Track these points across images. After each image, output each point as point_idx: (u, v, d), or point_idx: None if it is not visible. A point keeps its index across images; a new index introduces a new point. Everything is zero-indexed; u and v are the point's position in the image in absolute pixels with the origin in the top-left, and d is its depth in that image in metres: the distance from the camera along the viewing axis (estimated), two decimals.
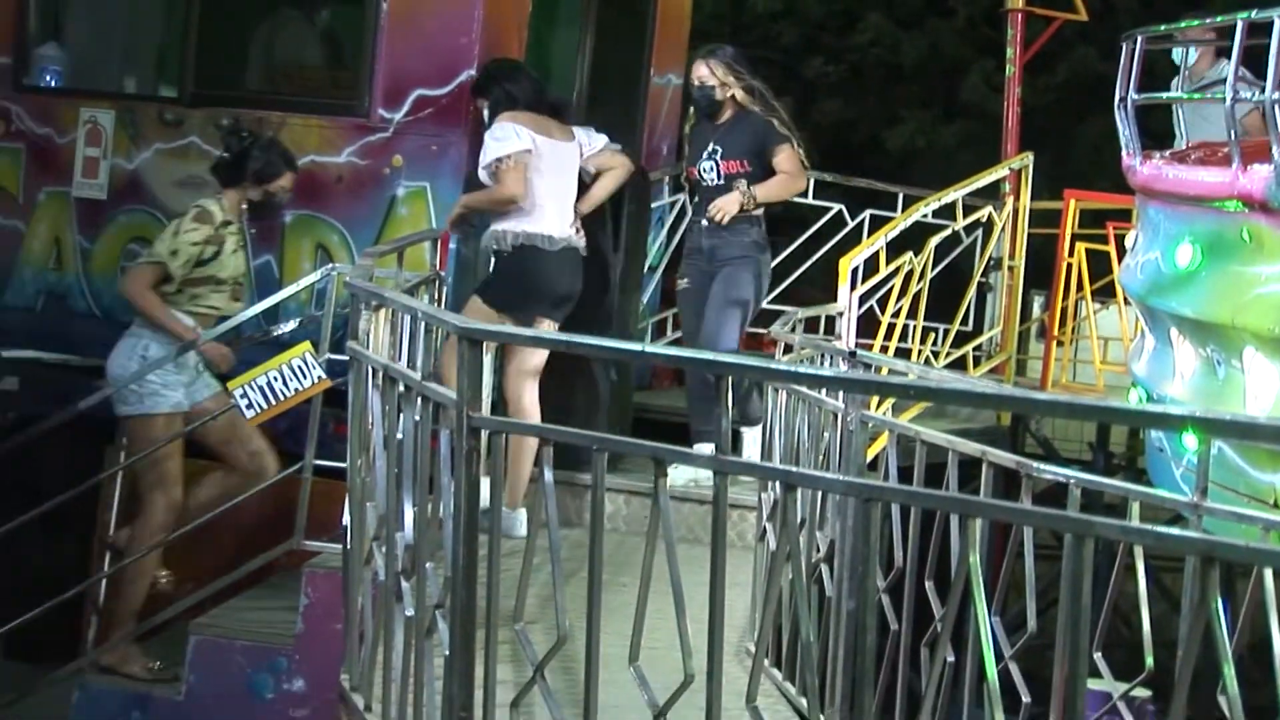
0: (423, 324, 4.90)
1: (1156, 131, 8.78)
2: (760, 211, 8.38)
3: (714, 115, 8.55)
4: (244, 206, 7.81)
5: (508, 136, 7.54)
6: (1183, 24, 8.76)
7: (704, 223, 8.43)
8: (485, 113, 7.96)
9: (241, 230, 7.82)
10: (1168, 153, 8.26)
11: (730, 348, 8.05)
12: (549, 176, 7.68)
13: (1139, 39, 7.91)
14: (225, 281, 7.71)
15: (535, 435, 3.78)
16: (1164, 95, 8.77)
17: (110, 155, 9.82)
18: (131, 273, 7.80)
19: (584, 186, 8.00)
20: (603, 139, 8.10)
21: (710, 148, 8.48)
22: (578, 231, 7.79)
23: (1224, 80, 7.30)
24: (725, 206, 8.16)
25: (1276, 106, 6.58)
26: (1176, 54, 9.18)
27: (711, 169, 8.45)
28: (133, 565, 7.60)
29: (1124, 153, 8.26)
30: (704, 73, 8.49)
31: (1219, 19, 8.48)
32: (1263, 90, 6.67)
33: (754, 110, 8.45)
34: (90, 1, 10.75)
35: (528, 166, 7.55)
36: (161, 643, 7.91)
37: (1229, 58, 6.87)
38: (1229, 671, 3.12)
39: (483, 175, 7.63)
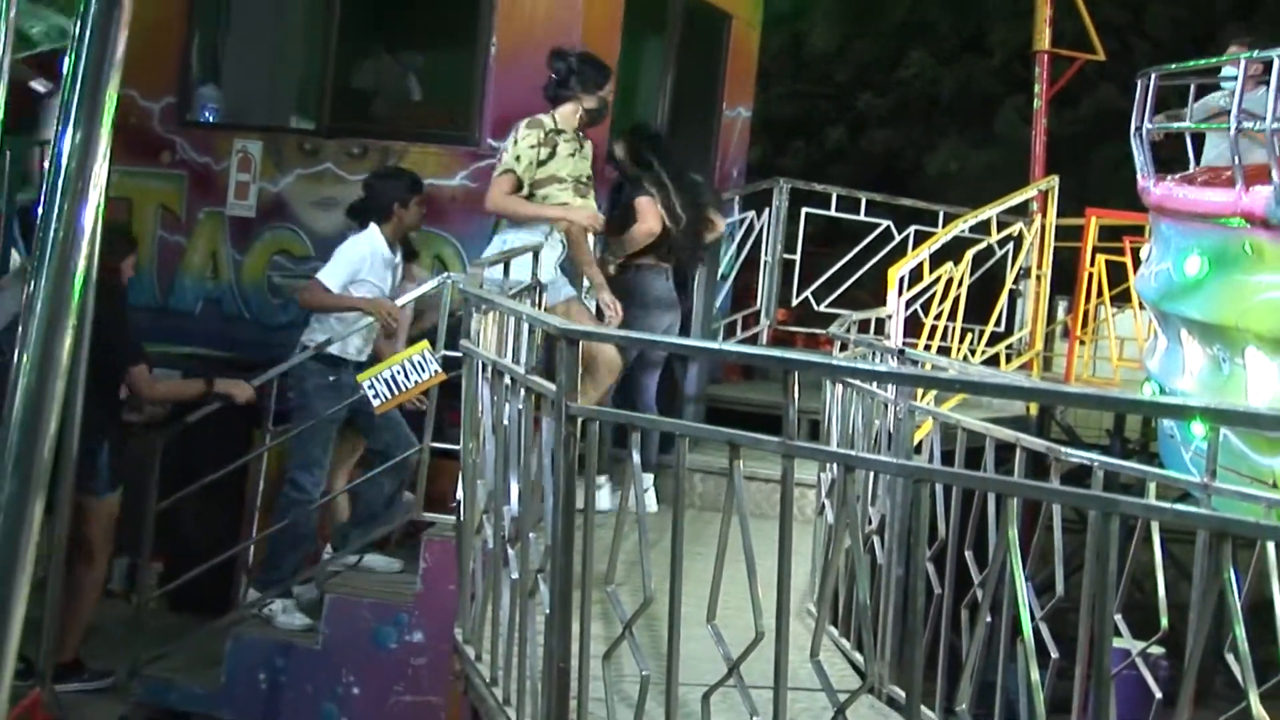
0: (526, 325, 4.90)
1: (1167, 157, 8.67)
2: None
3: None
4: (579, 115, 7.55)
5: None
6: (1190, 64, 8.68)
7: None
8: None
9: (576, 137, 7.50)
10: (1178, 175, 8.16)
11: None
12: None
13: (1152, 76, 7.85)
14: (566, 180, 7.39)
15: (627, 423, 3.75)
16: (1174, 125, 8.66)
17: (258, 180, 9.89)
18: (490, 188, 7.46)
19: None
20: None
21: None
22: None
23: (1228, 111, 7.22)
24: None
25: (1276, 136, 6.50)
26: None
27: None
28: None
29: (1139, 175, 8.18)
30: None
31: (1224, 58, 8.39)
32: (1263, 120, 6.59)
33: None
34: (241, 48, 10.82)
35: None
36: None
37: (1267, 86, 6.76)
38: (1240, 631, 3.08)
39: None
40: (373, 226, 7.94)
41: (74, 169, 2.72)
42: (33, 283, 2.73)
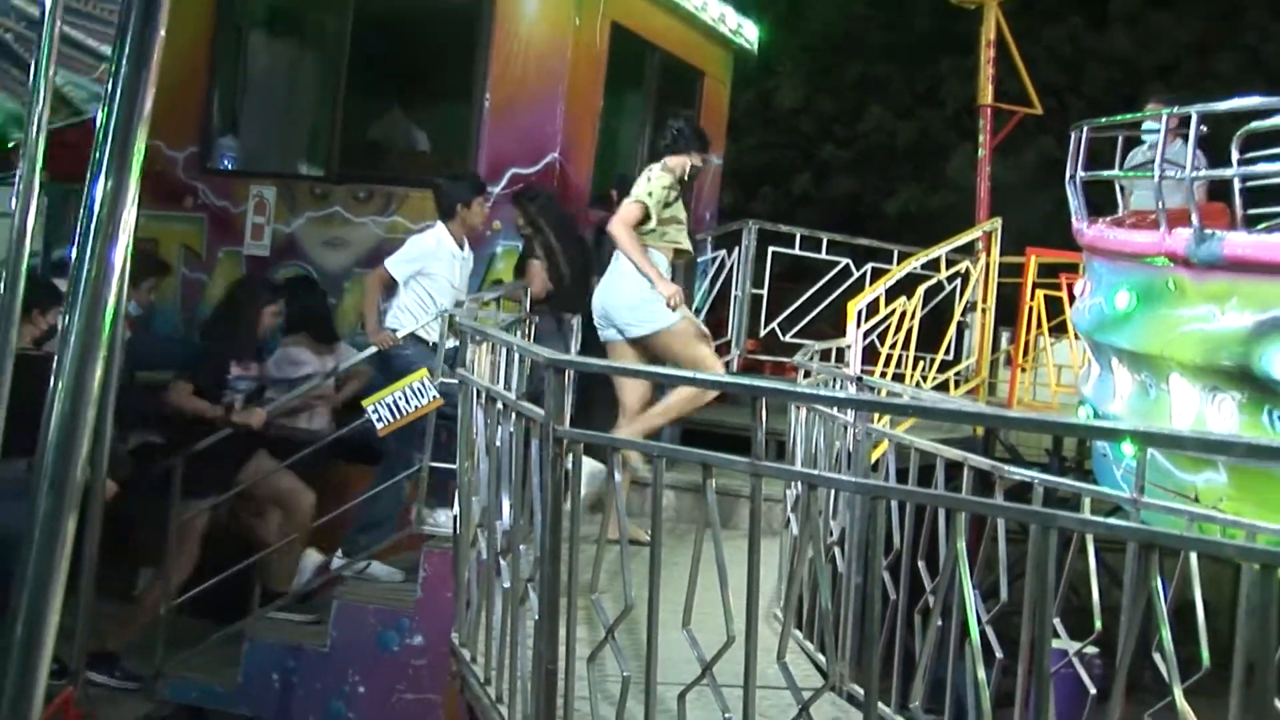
0: (517, 355, 4.91)
1: (1099, 201, 8.73)
2: None
3: None
4: (689, 169, 7.44)
5: None
6: (1116, 119, 8.76)
7: None
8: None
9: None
10: (1108, 219, 8.21)
11: None
12: None
13: (1084, 129, 7.90)
14: (682, 223, 7.34)
15: (609, 444, 3.76)
16: (1104, 173, 8.72)
17: (272, 222, 9.89)
18: (621, 211, 7.26)
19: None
20: None
21: None
22: None
23: (1152, 161, 7.28)
24: None
25: (1194, 184, 6.56)
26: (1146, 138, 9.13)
27: None
28: None
29: (1074, 218, 8.21)
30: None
31: (1147, 113, 8.47)
32: (1184, 169, 6.64)
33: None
34: (257, 102, 10.84)
35: None
36: (314, 605, 7.94)
37: (1185, 140, 6.82)
38: (1165, 633, 3.09)
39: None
40: (439, 224, 7.92)
41: (105, 214, 2.73)
42: (66, 316, 2.74)
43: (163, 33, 2.77)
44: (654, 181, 7.15)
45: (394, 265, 7.78)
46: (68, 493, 2.76)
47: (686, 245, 7.36)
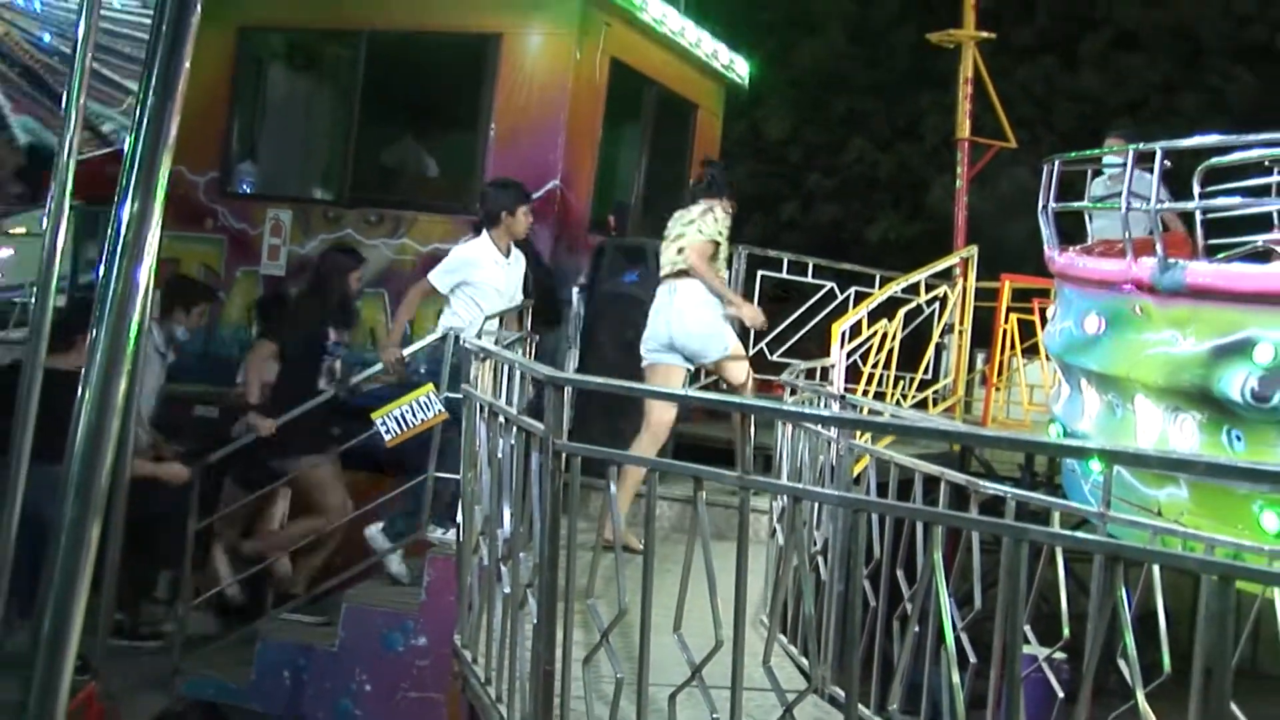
0: (518, 372, 4.91)
1: (1069, 230, 8.75)
2: None
3: None
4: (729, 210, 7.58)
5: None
6: (1087, 153, 8.79)
7: None
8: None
9: None
10: (1078, 247, 8.22)
11: None
12: None
13: (1056, 163, 7.92)
14: (728, 256, 7.68)
15: (606, 459, 3.76)
16: (1074, 204, 8.75)
17: (288, 243, 9.91)
18: (698, 248, 7.32)
19: None
20: None
21: None
22: None
23: (1112, 194, 7.31)
24: None
25: (1158, 215, 6.58)
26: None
27: None
28: None
29: (1046, 247, 8.23)
30: None
31: (1112, 149, 8.50)
32: (1148, 201, 6.66)
33: None
34: (274, 131, 10.86)
35: None
36: (324, 607, 7.93)
37: (1149, 173, 6.85)
38: (1129, 640, 3.09)
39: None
40: (484, 233, 7.83)
41: (130, 236, 2.73)
42: (94, 331, 2.74)
43: (187, 64, 2.78)
44: (720, 222, 7.35)
45: (436, 277, 7.73)
46: (92, 500, 2.75)
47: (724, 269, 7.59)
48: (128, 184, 2.72)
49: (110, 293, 2.73)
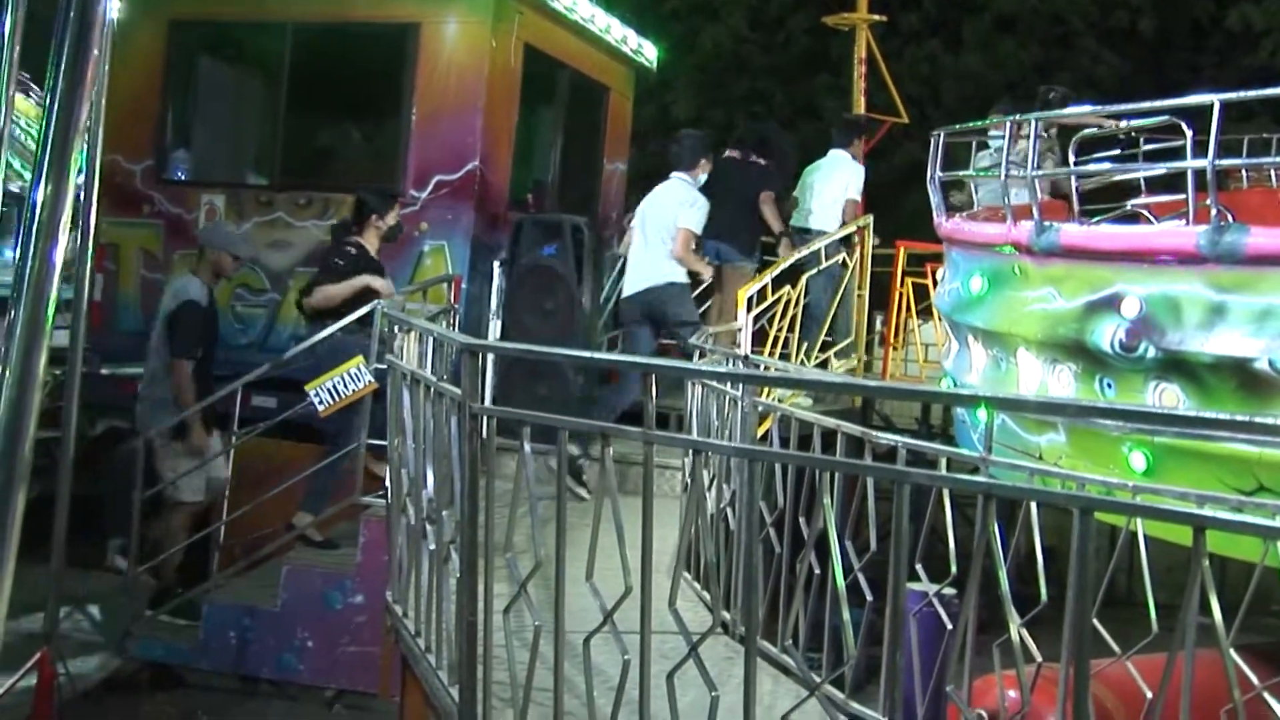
0: (440, 342, 4.84)
1: (962, 205, 8.82)
2: None
3: None
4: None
5: None
6: (970, 124, 8.86)
7: None
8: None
9: None
10: (964, 214, 8.27)
11: None
12: None
13: (941, 135, 7.96)
14: None
15: (517, 419, 3.71)
16: (960, 173, 8.81)
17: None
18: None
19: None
20: None
21: None
22: None
23: (997, 164, 7.36)
24: None
25: (1036, 180, 6.63)
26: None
27: None
28: None
29: (935, 214, 8.28)
30: None
31: (994, 119, 8.55)
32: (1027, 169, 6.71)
33: None
34: (207, 119, 10.67)
35: None
36: (264, 570, 7.83)
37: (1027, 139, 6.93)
38: (1002, 574, 3.11)
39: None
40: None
41: (45, 217, 2.65)
42: (12, 310, 2.65)
43: (96, 53, 2.69)
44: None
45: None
46: (17, 468, 2.67)
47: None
48: (41, 167, 2.63)
49: (27, 271, 2.64)
